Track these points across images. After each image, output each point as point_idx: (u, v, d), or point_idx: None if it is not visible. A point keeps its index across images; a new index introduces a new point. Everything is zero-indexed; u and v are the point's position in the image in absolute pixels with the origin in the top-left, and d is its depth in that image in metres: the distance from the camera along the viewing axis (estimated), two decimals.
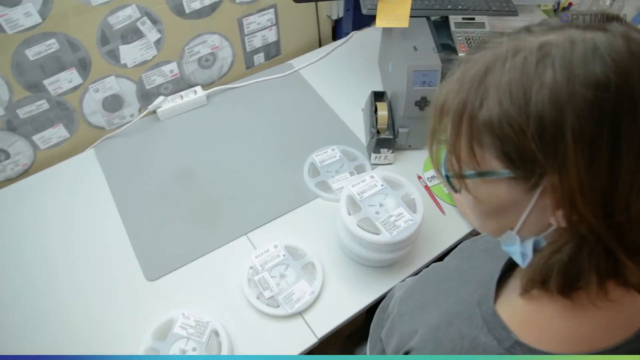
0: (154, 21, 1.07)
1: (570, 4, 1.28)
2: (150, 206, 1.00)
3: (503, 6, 0.99)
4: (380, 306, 0.82)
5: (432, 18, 1.04)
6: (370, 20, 1.42)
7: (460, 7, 0.99)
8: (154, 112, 1.16)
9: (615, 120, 0.34)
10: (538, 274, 0.43)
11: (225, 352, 0.77)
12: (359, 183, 0.89)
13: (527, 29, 0.39)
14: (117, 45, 1.06)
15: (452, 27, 0.99)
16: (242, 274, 0.88)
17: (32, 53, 0.96)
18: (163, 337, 0.79)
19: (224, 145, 1.12)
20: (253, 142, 1.12)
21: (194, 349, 0.77)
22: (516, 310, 0.46)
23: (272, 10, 1.24)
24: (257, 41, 1.27)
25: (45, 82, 1.01)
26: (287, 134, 1.14)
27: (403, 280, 0.87)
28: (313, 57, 1.32)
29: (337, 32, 1.44)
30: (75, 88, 1.06)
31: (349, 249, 0.88)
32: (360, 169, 1.06)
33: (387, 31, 1.14)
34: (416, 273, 0.92)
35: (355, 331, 1.04)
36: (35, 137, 1.07)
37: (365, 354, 0.95)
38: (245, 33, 1.24)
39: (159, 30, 1.09)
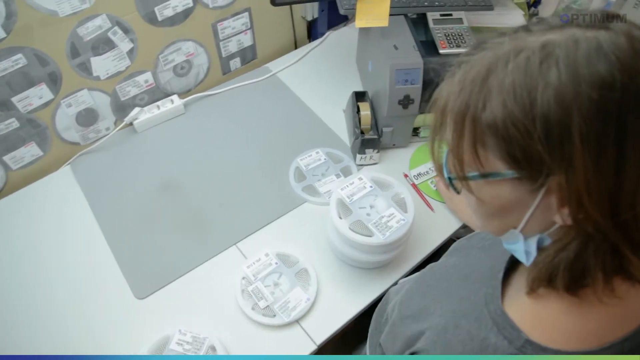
0: (126, 30, 1.04)
1: None
2: (133, 222, 0.97)
3: (479, 1, 1.00)
4: (376, 310, 0.81)
5: (410, 15, 1.04)
6: (344, 19, 1.41)
7: (437, 3, 0.99)
8: (131, 124, 1.13)
9: (620, 118, 0.34)
10: (544, 272, 0.43)
11: None
12: (347, 186, 0.88)
13: (526, 28, 0.39)
14: (89, 57, 1.02)
15: (431, 24, 0.99)
16: (234, 285, 0.86)
17: None
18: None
19: (206, 155, 1.09)
20: (235, 150, 1.10)
21: None
22: (524, 309, 0.46)
23: (246, 13, 1.21)
24: (232, 46, 1.25)
25: (14, 99, 0.96)
26: (269, 139, 1.12)
27: (395, 284, 0.86)
28: (290, 60, 1.30)
29: (312, 32, 1.43)
30: (46, 104, 1.01)
31: (342, 253, 0.87)
32: (346, 171, 1.05)
33: (364, 30, 1.14)
34: (410, 273, 0.92)
35: (346, 332, 1.03)
36: (6, 158, 1.02)
37: (361, 353, 0.94)
38: (220, 38, 1.21)
39: (132, 40, 1.06)
